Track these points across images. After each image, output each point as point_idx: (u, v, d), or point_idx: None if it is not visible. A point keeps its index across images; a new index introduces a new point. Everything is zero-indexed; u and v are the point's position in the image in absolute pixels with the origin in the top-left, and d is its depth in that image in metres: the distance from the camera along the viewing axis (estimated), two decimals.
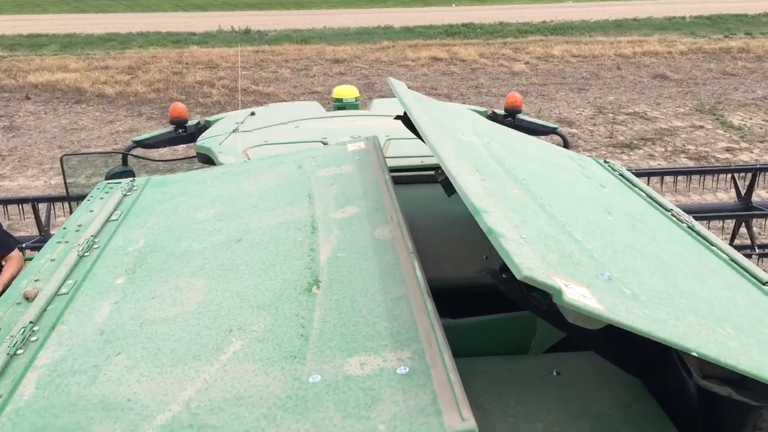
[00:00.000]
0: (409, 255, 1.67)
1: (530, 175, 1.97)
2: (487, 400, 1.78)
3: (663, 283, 1.50)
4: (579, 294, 1.19)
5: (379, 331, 1.39)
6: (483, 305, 2.50)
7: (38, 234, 5.39)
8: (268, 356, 1.37)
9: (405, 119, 2.59)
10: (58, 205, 5.66)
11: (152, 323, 1.57)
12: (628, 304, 1.28)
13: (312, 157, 2.52)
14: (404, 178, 2.97)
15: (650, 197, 2.32)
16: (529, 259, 1.22)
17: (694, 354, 1.21)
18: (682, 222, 2.13)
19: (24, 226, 6.49)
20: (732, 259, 1.88)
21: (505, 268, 1.49)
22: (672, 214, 2.18)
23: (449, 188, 2.52)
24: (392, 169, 2.30)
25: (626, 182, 2.47)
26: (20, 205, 5.76)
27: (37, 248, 4.77)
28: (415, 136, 2.65)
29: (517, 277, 1.17)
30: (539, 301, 1.55)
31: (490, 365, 1.98)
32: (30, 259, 2.14)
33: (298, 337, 1.42)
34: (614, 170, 2.60)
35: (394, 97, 2.58)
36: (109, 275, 1.85)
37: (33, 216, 5.47)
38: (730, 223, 5.70)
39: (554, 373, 1.92)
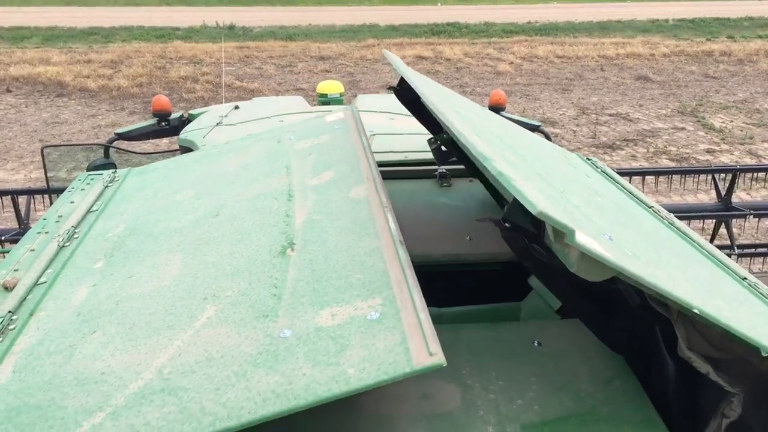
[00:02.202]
0: (383, 209, 1.66)
1: (525, 150, 1.99)
2: (469, 373, 1.79)
3: (657, 256, 1.51)
4: (588, 240, 1.20)
5: (352, 282, 1.40)
6: (467, 284, 2.52)
7: (18, 227, 5.33)
8: (241, 318, 1.38)
9: (398, 91, 2.62)
10: (38, 198, 5.60)
11: (128, 300, 1.57)
12: (631, 260, 1.29)
13: (291, 131, 2.53)
14: (389, 173, 2.98)
15: (631, 193, 2.34)
16: (542, 199, 1.23)
17: (696, 311, 1.22)
18: (663, 218, 2.15)
19: (3, 220, 6.42)
20: (712, 255, 1.90)
21: (506, 219, 1.49)
22: (653, 210, 2.20)
23: (442, 156, 2.55)
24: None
25: (608, 177, 2.49)
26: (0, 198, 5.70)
27: (16, 241, 4.72)
28: (407, 109, 2.67)
29: (533, 212, 1.17)
30: (540, 253, 1.54)
31: (473, 333, 1.98)
32: (8, 252, 2.13)
33: (271, 297, 1.43)
34: (597, 166, 2.62)
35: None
36: (88, 261, 1.85)
37: (12, 209, 5.41)
38: (711, 224, 5.76)
39: (536, 344, 1.92)
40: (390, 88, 2.63)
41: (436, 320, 1.39)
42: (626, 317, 1.79)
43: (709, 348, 1.42)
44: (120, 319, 1.49)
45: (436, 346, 1.12)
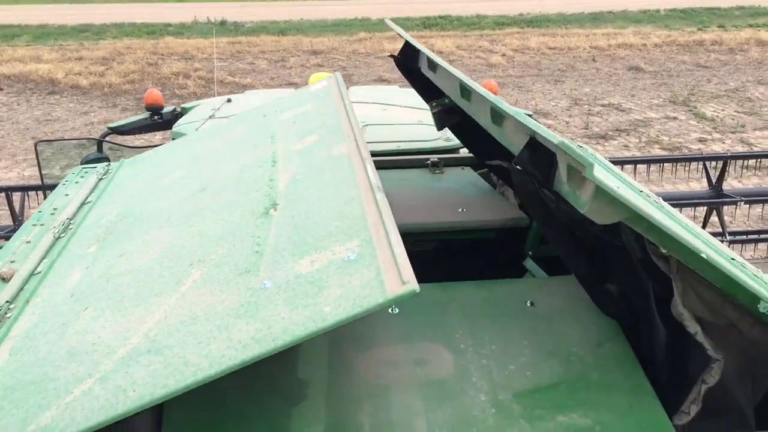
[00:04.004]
0: (363, 160, 1.68)
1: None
2: (462, 337, 1.80)
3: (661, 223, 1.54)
4: (604, 177, 1.22)
5: (331, 231, 1.42)
6: (461, 264, 2.55)
7: (12, 223, 5.33)
8: (225, 277, 1.42)
9: (398, 60, 2.71)
10: (32, 195, 5.59)
11: (119, 276, 1.61)
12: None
13: (277, 105, 2.57)
14: (381, 162, 3.00)
15: (623, 178, 2.37)
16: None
17: (703, 256, 1.25)
18: (654, 202, 2.18)
19: None
20: (703, 238, 1.93)
21: (518, 162, 1.52)
22: (644, 194, 2.23)
23: (442, 120, 2.60)
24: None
25: (601, 163, 2.52)
26: None
27: (10, 237, 4.72)
28: (405, 78, 2.74)
29: (554, 141, 1.20)
30: (549, 198, 1.56)
31: (466, 292, 1.99)
32: (1, 248, 2.17)
33: (253, 254, 1.46)
34: (589, 153, 2.65)
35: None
36: (82, 247, 1.88)
37: (6, 205, 5.41)
38: (702, 211, 5.79)
39: (528, 304, 1.92)
40: (390, 55, 2.68)
41: None
42: (623, 275, 1.79)
43: (702, 309, 1.44)
44: (110, 294, 1.53)
45: (409, 274, 1.13)
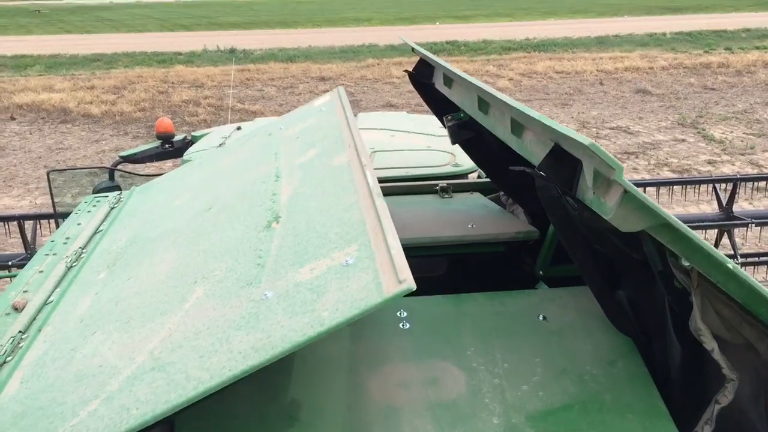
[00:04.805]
0: (362, 167, 1.69)
1: None
2: (474, 354, 1.78)
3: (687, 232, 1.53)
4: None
5: (330, 238, 1.43)
6: (473, 280, 2.56)
7: (24, 252, 5.37)
8: (227, 291, 1.43)
9: (412, 76, 2.75)
10: (44, 224, 5.64)
11: (126, 299, 1.63)
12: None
13: (281, 122, 2.62)
14: (390, 188, 3.02)
15: None
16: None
17: (729, 266, 1.23)
18: None
19: (9, 246, 6.46)
20: None
21: (541, 168, 1.51)
22: None
23: (456, 134, 2.63)
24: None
25: None
26: (6, 224, 5.73)
27: (23, 266, 4.75)
28: (419, 94, 2.77)
29: (584, 143, 1.19)
30: (572, 205, 1.54)
31: (477, 306, 1.98)
32: (15, 276, 2.19)
33: (255, 267, 1.47)
34: None
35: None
36: (92, 274, 1.90)
37: (19, 233, 5.45)
38: (713, 234, 5.77)
39: (540, 318, 1.90)
40: (405, 71, 2.73)
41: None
42: (640, 290, 1.76)
43: (720, 327, 1.41)
44: (118, 316, 1.55)
45: (405, 274, 1.13)
